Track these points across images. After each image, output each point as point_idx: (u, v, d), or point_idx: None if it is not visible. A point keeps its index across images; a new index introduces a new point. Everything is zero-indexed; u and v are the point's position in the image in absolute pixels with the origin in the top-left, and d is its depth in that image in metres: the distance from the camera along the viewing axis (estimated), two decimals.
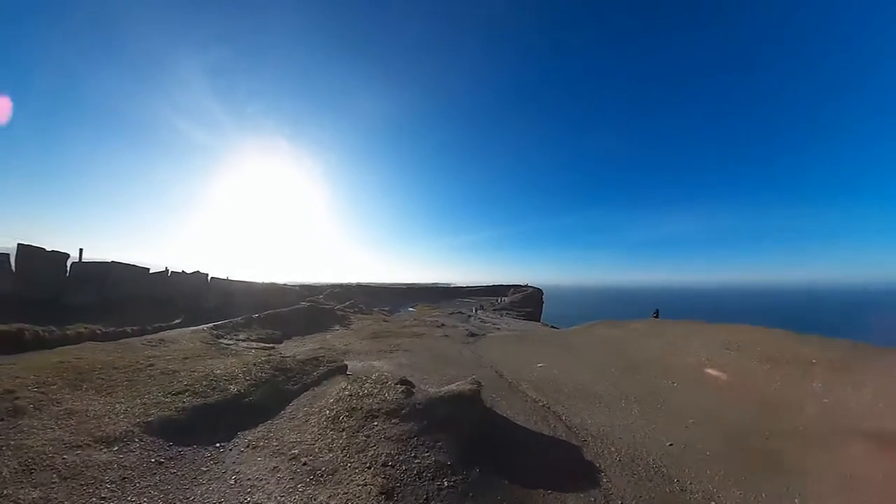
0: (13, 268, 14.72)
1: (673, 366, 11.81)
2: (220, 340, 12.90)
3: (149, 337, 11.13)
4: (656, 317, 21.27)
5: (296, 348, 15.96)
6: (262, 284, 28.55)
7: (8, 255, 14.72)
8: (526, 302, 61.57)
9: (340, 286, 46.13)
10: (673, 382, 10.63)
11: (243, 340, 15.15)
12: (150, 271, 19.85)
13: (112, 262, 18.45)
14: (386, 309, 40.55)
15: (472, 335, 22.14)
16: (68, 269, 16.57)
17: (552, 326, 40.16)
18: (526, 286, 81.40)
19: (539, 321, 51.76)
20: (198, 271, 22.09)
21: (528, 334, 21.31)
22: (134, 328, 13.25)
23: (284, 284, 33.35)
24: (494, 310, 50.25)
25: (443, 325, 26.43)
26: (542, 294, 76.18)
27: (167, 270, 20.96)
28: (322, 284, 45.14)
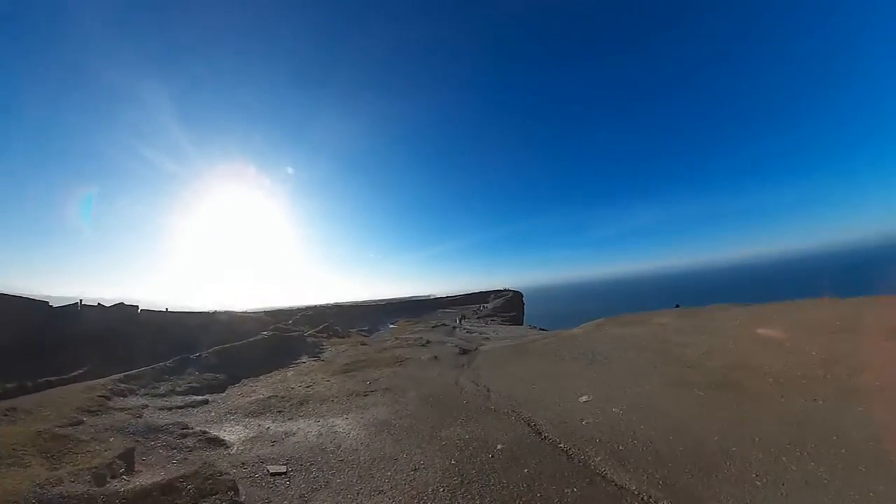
0: None
1: (770, 370, 7.99)
2: (109, 402, 8.50)
3: None
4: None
5: (240, 398, 11.73)
6: (213, 314, 23.82)
7: None
8: (508, 306, 58.54)
9: (314, 308, 41.35)
10: (816, 400, 6.71)
11: (163, 395, 10.78)
12: (53, 306, 15.10)
13: None
14: (364, 329, 36.13)
15: (464, 352, 18.30)
16: None
17: (541, 329, 36.96)
18: (506, 290, 78.51)
19: (523, 324, 48.69)
20: (122, 303, 17.32)
21: (526, 344, 17.66)
22: (8, 385, 8.83)
23: (245, 312, 28.65)
24: (478, 318, 46.76)
25: (428, 342, 22.46)
26: (523, 297, 73.50)
27: (78, 304, 16.12)
28: (294, 308, 40.33)
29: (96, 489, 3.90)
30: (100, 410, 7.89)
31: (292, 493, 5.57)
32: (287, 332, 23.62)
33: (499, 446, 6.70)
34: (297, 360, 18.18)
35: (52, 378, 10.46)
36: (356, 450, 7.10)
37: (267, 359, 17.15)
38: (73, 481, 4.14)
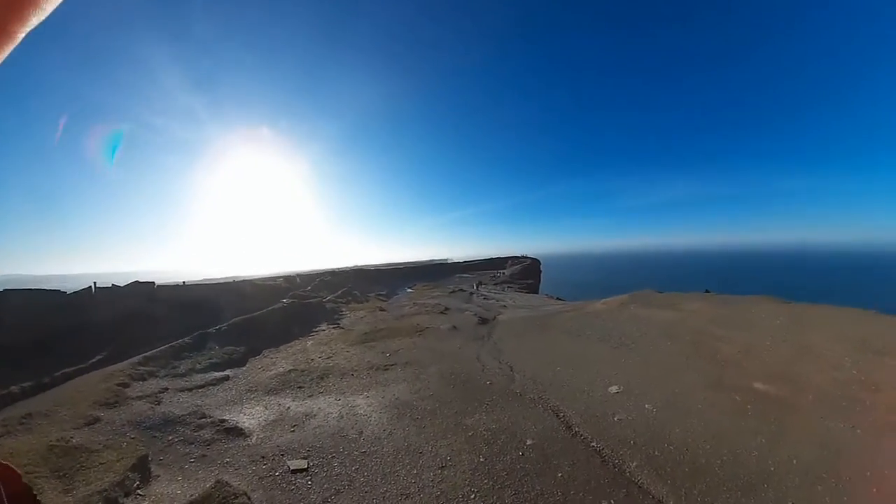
0: None
1: (811, 384, 6.98)
2: (127, 390, 8.33)
3: (6, 416, 6.52)
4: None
5: (261, 372, 11.62)
6: (233, 283, 23.84)
7: None
8: (525, 273, 57.93)
9: (332, 273, 41.52)
10: (855, 428, 5.84)
11: (183, 375, 10.68)
12: (68, 293, 15.01)
13: (5, 290, 13.69)
14: (383, 294, 36.22)
15: (483, 321, 17.94)
16: None
17: (559, 299, 36.42)
18: (524, 257, 77.68)
19: (539, 293, 48.29)
20: (136, 281, 17.22)
21: (547, 317, 17.06)
22: (25, 385, 8.73)
23: (266, 279, 28.74)
24: (495, 284, 46.47)
25: (446, 309, 22.19)
26: (540, 264, 72.67)
27: (92, 287, 16.06)
28: (312, 273, 40.56)
29: None
30: (117, 402, 7.70)
31: (314, 496, 5.23)
32: (306, 299, 23.63)
33: (528, 441, 6.24)
34: (317, 328, 18.13)
35: (70, 369, 10.36)
36: (379, 438, 6.76)
37: (287, 328, 17.10)
38: None
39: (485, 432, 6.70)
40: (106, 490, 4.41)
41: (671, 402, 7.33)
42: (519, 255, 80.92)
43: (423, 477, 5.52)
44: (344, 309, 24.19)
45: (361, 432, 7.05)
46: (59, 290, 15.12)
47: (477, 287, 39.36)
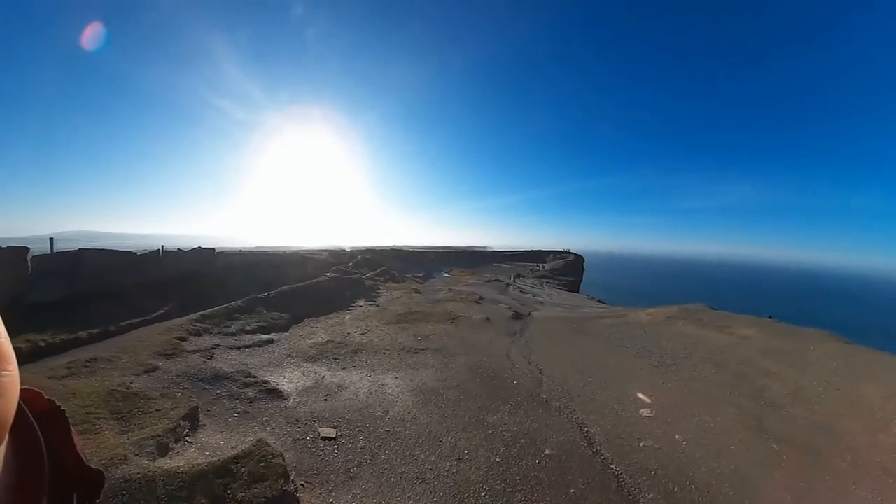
0: None
1: (852, 444, 6.35)
2: (184, 343, 9.26)
3: (74, 358, 7.44)
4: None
5: (301, 339, 12.41)
6: (283, 254, 25.29)
7: None
8: (566, 270, 56.33)
9: (373, 251, 42.76)
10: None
11: (233, 334, 11.65)
12: (138, 254, 16.57)
13: (82, 249, 15.18)
14: (419, 275, 36.93)
15: (517, 316, 17.90)
16: (30, 264, 13.52)
17: (599, 301, 35.17)
18: (566, 252, 75.36)
19: (579, 292, 46.86)
20: (199, 248, 18.81)
21: (584, 321, 16.57)
22: (93, 331, 9.94)
23: (312, 252, 30.19)
24: (533, 277, 45.74)
25: (481, 299, 22.31)
26: (584, 262, 70.10)
27: (160, 250, 17.72)
28: (354, 249, 42.00)
29: (157, 469, 4.04)
30: (175, 353, 8.58)
31: (339, 465, 5.64)
32: (347, 275, 24.64)
33: (547, 451, 6.26)
34: (355, 303, 18.92)
35: (135, 320, 11.61)
36: (403, 420, 7.09)
37: (328, 300, 17.99)
38: (137, 454, 4.37)
39: (505, 433, 6.80)
40: (159, 435, 5.01)
41: (703, 437, 6.97)
42: (561, 250, 78.56)
43: (440, 465, 5.75)
44: (381, 287, 24.99)
45: (387, 411, 7.41)
46: (131, 251, 16.81)
47: (514, 279, 39.02)
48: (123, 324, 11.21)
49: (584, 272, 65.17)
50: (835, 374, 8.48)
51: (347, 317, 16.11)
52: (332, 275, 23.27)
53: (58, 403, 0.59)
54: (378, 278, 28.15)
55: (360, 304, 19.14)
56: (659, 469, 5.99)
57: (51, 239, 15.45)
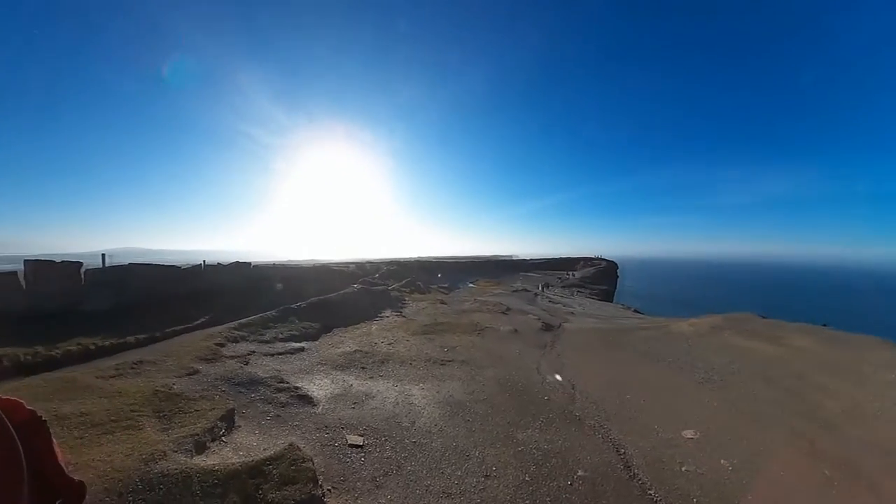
0: (23, 284, 13.24)
1: None
2: (223, 349, 9.77)
3: (122, 360, 8.12)
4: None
5: (331, 348, 12.70)
6: (313, 267, 26.14)
7: (16, 271, 13.42)
8: (598, 277, 54.78)
9: (398, 263, 43.33)
10: None
11: (268, 342, 12.11)
12: (181, 268, 17.99)
13: (131, 263, 16.67)
14: (444, 286, 37.06)
15: (547, 327, 17.56)
16: (83, 277, 14.83)
17: (636, 311, 33.82)
18: (598, 259, 73.25)
19: (613, 301, 45.36)
20: (237, 262, 20.14)
21: (620, 333, 15.95)
22: (140, 336, 10.72)
23: (339, 265, 30.99)
24: (562, 286, 44.81)
25: (508, 309, 22.11)
26: (617, 268, 67.97)
27: (202, 264, 19.21)
28: (380, 261, 42.72)
29: (194, 465, 4.25)
30: (214, 358, 9.03)
31: (365, 473, 5.70)
32: (373, 286, 25.10)
33: (580, 472, 6.00)
34: (382, 314, 19.19)
35: (178, 327, 12.36)
36: (429, 432, 7.07)
37: (355, 311, 18.37)
38: (176, 451, 4.62)
39: (535, 451, 6.56)
40: (197, 434, 5.26)
41: (750, 461, 6.44)
42: (593, 256, 76.34)
43: (467, 481, 5.64)
44: (407, 298, 25.26)
45: (414, 422, 7.39)
46: (175, 265, 18.28)
47: (543, 288, 38.39)
48: (168, 330, 11.99)
49: (618, 280, 63.03)
50: (892, 387, 7.83)
51: (374, 327, 16.35)
52: (359, 286, 23.76)
53: (39, 414, 0.59)
54: (403, 289, 28.49)
55: (387, 314, 19.40)
56: (701, 496, 5.58)
57: (103, 255, 16.83)
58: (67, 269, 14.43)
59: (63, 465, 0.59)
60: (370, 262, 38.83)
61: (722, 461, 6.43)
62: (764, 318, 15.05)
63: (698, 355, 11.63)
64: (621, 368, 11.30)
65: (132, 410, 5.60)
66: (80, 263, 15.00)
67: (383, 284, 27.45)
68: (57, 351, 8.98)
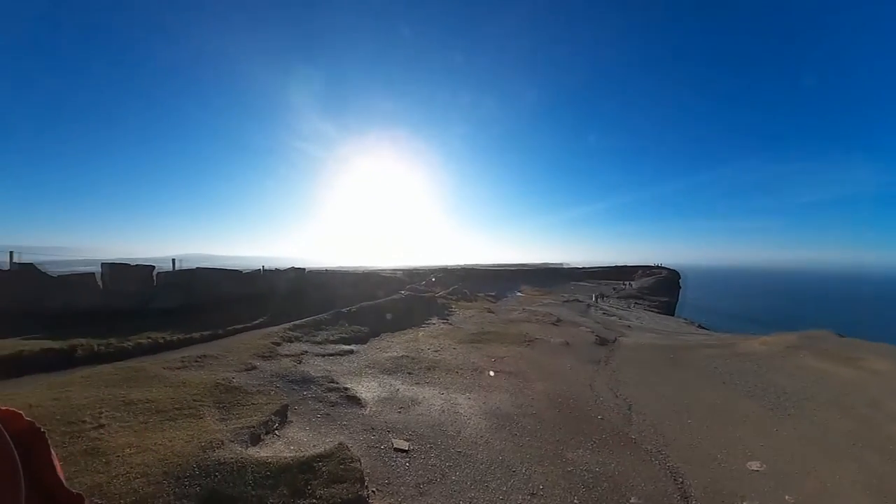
0: (100, 284, 15.18)
1: None
2: (279, 348, 10.35)
3: (187, 354, 8.98)
4: None
5: (379, 352, 12.93)
6: (363, 273, 27.06)
7: (94, 273, 15.40)
8: (659, 288, 51.08)
9: (444, 270, 43.56)
10: None
11: (320, 343, 12.61)
12: (243, 272, 19.78)
13: (198, 267, 18.55)
14: (491, 294, 36.62)
15: (602, 342, 16.69)
16: (154, 279, 16.81)
17: (700, 326, 31.31)
18: (658, 267, 68.58)
19: (674, 315, 42.21)
20: (293, 267, 21.53)
21: (683, 350, 14.66)
22: (204, 333, 11.78)
23: (387, 271, 31.77)
24: (618, 297, 42.53)
25: (559, 321, 21.35)
26: (680, 278, 63.20)
27: (261, 269, 20.79)
28: (427, 268, 43.21)
29: (249, 456, 4.46)
30: (271, 356, 9.61)
31: (409, 478, 5.66)
32: (420, 293, 25.38)
33: (633, 499, 5.54)
34: (428, 321, 19.29)
35: (239, 326, 13.43)
36: (475, 443, 6.90)
37: (403, 317, 18.63)
38: (233, 441, 4.90)
39: (585, 472, 6.15)
40: (253, 427, 5.56)
41: (816, 498, 5.67)
42: (652, 265, 71.57)
43: (512, 498, 5.40)
44: (453, 306, 25.23)
45: (460, 432, 7.24)
46: (237, 269, 20.17)
47: (596, 299, 36.69)
48: (229, 328, 13.02)
49: (680, 291, 58.58)
50: None
51: (421, 333, 16.44)
52: (407, 293, 24.15)
53: (38, 425, 0.56)
54: (450, 297, 28.52)
55: (433, 321, 19.47)
56: None
57: (173, 259, 18.81)
58: (141, 272, 16.51)
59: (62, 477, 0.55)
60: (417, 270, 39.40)
61: (786, 497, 5.70)
62: (841, 336, 13.50)
63: (769, 378, 10.53)
64: (683, 390, 10.38)
65: (194, 400, 6.05)
66: (153, 267, 16.99)
67: (430, 291, 27.68)
68: (128, 343, 10.02)
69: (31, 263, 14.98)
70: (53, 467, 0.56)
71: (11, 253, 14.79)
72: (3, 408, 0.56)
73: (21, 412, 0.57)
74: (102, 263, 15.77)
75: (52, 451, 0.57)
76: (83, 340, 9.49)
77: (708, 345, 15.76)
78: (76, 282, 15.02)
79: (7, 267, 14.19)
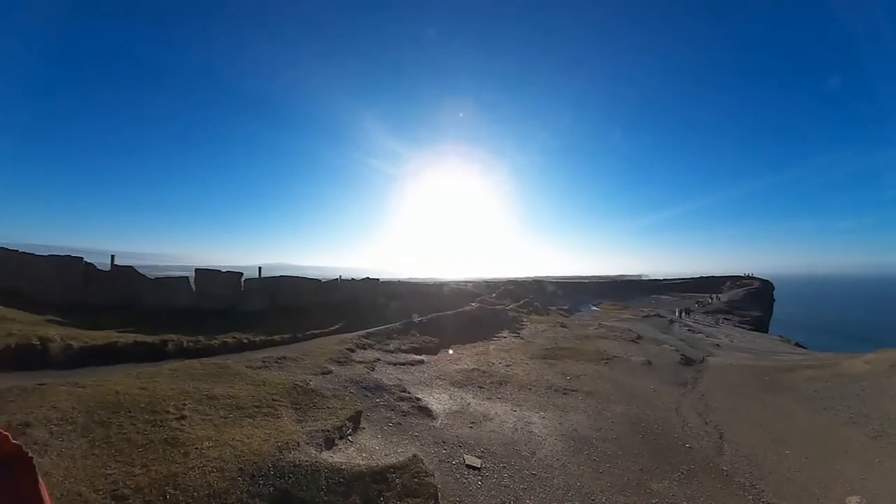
0: (193, 287, 16.93)
1: None
2: (353, 354, 10.62)
3: (268, 355, 9.52)
4: None
5: (449, 364, 12.76)
6: (434, 285, 27.36)
7: (188, 277, 17.22)
8: (750, 302, 44.71)
9: (514, 282, 42.53)
10: None
11: (392, 351, 12.78)
12: (322, 280, 20.92)
13: (281, 276, 20.03)
14: (564, 307, 34.86)
15: (688, 361, 14.97)
16: (242, 284, 18.39)
17: (797, 344, 27.09)
18: (748, 277, 60.39)
19: (768, 331, 36.65)
20: (368, 277, 22.37)
21: (780, 373, 12.47)
22: (285, 336, 12.53)
23: (458, 283, 31.80)
24: (704, 312, 38.09)
25: (639, 337, 19.55)
26: (773, 289, 54.95)
27: (339, 279, 21.93)
28: (497, 280, 42.54)
29: (323, 460, 4.45)
30: (345, 361, 9.88)
31: (482, 498, 5.32)
32: (491, 306, 24.90)
33: None
34: (499, 334, 18.76)
35: (316, 331, 14.14)
36: (551, 466, 6.36)
37: (473, 329, 18.31)
38: (308, 443, 4.95)
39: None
40: (328, 430, 5.59)
41: None
42: (743, 275, 63.26)
43: None
44: (525, 319, 24.33)
45: (534, 453, 6.77)
46: (316, 279, 21.39)
47: (680, 314, 33.15)
48: (308, 333, 13.75)
49: (774, 304, 50.77)
50: None
51: (492, 347, 16.01)
52: (477, 305, 23.82)
53: (25, 450, 0.51)
54: (521, 310, 27.61)
55: (504, 335, 18.89)
56: None
57: (259, 267, 20.66)
58: (231, 278, 18.26)
59: None
60: (487, 282, 38.98)
61: None
62: None
63: (873, 402, 9.11)
64: (779, 416, 9.20)
65: (273, 399, 6.27)
66: (241, 273, 18.68)
67: (500, 304, 27.08)
68: (215, 341, 10.81)
69: (131, 266, 17.19)
70: (39, 495, 0.50)
71: (113, 256, 17.06)
72: None
73: (8, 434, 0.52)
74: (196, 269, 17.63)
75: (39, 479, 0.51)
76: (174, 336, 10.39)
77: (806, 365, 13.68)
78: (171, 284, 16.95)
79: (108, 269, 16.25)
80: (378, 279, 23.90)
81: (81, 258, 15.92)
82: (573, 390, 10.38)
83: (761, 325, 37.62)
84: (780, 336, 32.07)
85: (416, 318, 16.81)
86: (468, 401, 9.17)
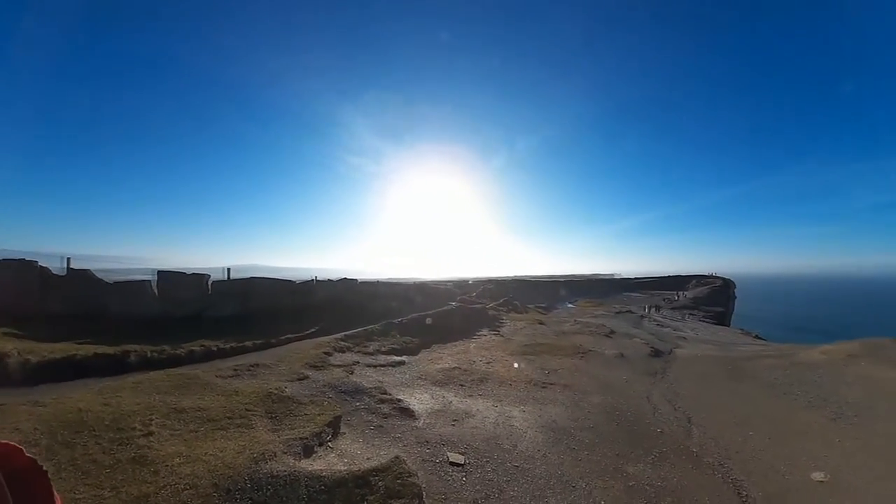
0: (156, 292, 15.55)
1: None
2: (330, 358, 10.28)
3: (240, 362, 8.93)
4: None
5: (430, 363, 12.64)
6: (413, 285, 27.08)
7: (149, 280, 15.77)
8: (713, 298, 47.19)
9: (494, 281, 42.83)
10: None
11: (371, 353, 12.55)
12: (295, 282, 19.62)
13: (252, 277, 18.59)
14: (542, 305, 35.33)
15: (656, 353, 15.46)
16: (210, 287, 17.07)
17: (757, 337, 28.60)
18: (712, 276, 63.52)
19: (730, 325, 38.62)
20: (345, 278, 21.46)
21: (742, 361, 13.28)
22: (257, 341, 11.86)
23: (438, 283, 31.70)
24: (671, 308, 39.61)
25: (612, 332, 20.02)
26: (734, 288, 57.93)
27: (314, 280, 20.79)
28: (476, 279, 42.72)
29: (302, 468, 4.27)
30: (322, 366, 9.55)
31: (466, 494, 5.27)
32: (471, 304, 24.91)
33: None
34: (479, 333, 18.76)
35: (291, 335, 13.44)
36: (532, 457, 6.40)
37: (453, 328, 18.26)
38: (285, 453, 4.72)
39: (647, 487, 5.64)
40: (306, 438, 5.33)
41: None
42: (706, 274, 66.36)
43: None
44: (504, 318, 24.48)
45: (515, 445, 6.81)
46: (290, 280, 19.99)
47: (649, 310, 34.28)
48: (282, 338, 13.00)
49: (735, 300, 53.54)
50: None
51: (472, 345, 15.98)
52: (457, 304, 23.77)
53: (40, 463, 0.51)
54: (500, 308, 27.78)
55: (484, 333, 18.91)
56: None
57: (227, 269, 18.96)
58: (197, 280, 16.78)
59: None
60: (467, 281, 39.07)
61: None
62: None
63: (830, 388, 9.80)
64: (743, 401, 9.75)
65: (246, 409, 5.95)
66: (208, 276, 17.15)
67: (481, 303, 27.15)
68: (181, 350, 9.97)
69: (87, 270, 15.46)
70: None
71: (69, 259, 15.37)
72: (4, 442, 0.52)
73: (22, 448, 0.51)
74: (158, 271, 16.14)
75: (55, 493, 0.51)
76: (136, 346, 9.53)
77: (766, 355, 14.47)
78: (131, 289, 15.50)
79: (63, 273, 14.75)
80: (356, 279, 23.17)
81: (36, 262, 14.50)
82: (551, 384, 10.50)
83: (723, 320, 39.52)
84: (741, 329, 33.57)
85: (396, 319, 16.60)
86: (450, 399, 9.11)
